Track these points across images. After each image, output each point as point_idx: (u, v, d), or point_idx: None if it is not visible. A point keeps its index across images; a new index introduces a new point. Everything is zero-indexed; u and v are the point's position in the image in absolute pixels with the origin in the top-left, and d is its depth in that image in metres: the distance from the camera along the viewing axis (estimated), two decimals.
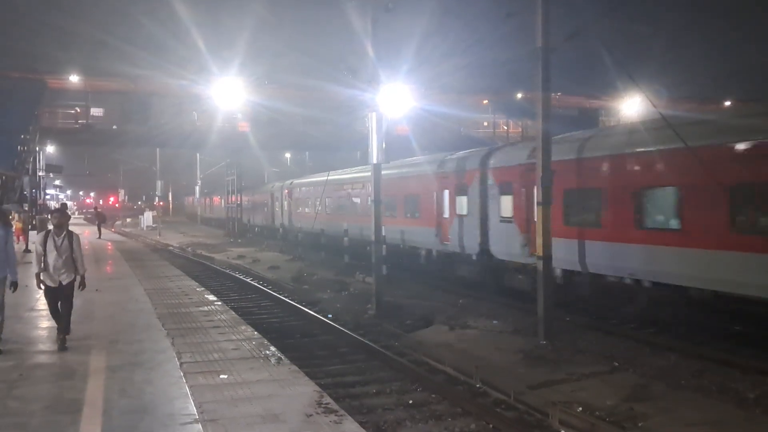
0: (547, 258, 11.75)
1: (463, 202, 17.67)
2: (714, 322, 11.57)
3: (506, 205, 15.74)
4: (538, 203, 11.87)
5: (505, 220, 15.73)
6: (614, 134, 14.25)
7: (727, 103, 42.56)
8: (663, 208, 12.00)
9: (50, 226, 9.13)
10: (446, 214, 18.56)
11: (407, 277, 19.99)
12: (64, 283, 8.83)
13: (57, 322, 9.03)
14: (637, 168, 12.30)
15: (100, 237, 35.27)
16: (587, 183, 13.29)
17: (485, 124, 43.87)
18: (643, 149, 12.17)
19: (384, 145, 15.37)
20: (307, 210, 32.16)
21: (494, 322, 13.71)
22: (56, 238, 8.79)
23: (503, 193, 15.88)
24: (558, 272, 13.57)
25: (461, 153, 19.02)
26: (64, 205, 33.88)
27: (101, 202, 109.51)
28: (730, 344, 11.04)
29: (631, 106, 40.14)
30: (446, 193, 18.61)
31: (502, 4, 13.61)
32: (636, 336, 12.03)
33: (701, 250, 10.63)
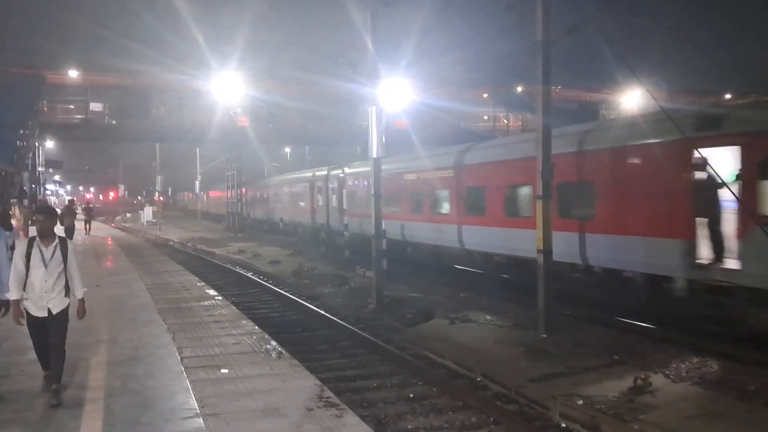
0: (547, 251, 11.72)
1: (319, 198, 31.33)
2: (714, 314, 11.62)
3: (337, 199, 28.60)
4: (538, 197, 11.85)
5: (335, 209, 28.78)
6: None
7: (728, 96, 42.49)
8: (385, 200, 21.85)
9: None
10: (315, 205, 32.26)
11: (408, 271, 20.12)
12: (54, 311, 6.46)
13: (44, 366, 6.77)
14: (366, 184, 23.27)
15: (88, 233, 33.89)
16: (358, 189, 25.27)
17: (485, 117, 43.77)
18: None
19: (384, 139, 15.43)
20: (256, 204, 47.59)
21: (489, 317, 13.73)
22: (44, 249, 6.40)
23: (333, 193, 29.16)
24: (345, 235, 25.55)
25: (323, 167, 32.17)
26: (71, 202, 33.65)
27: (101, 197, 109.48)
28: (730, 337, 11.06)
29: (632, 99, 40.07)
30: (314, 192, 32.43)
31: None
32: (636, 329, 12.06)
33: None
